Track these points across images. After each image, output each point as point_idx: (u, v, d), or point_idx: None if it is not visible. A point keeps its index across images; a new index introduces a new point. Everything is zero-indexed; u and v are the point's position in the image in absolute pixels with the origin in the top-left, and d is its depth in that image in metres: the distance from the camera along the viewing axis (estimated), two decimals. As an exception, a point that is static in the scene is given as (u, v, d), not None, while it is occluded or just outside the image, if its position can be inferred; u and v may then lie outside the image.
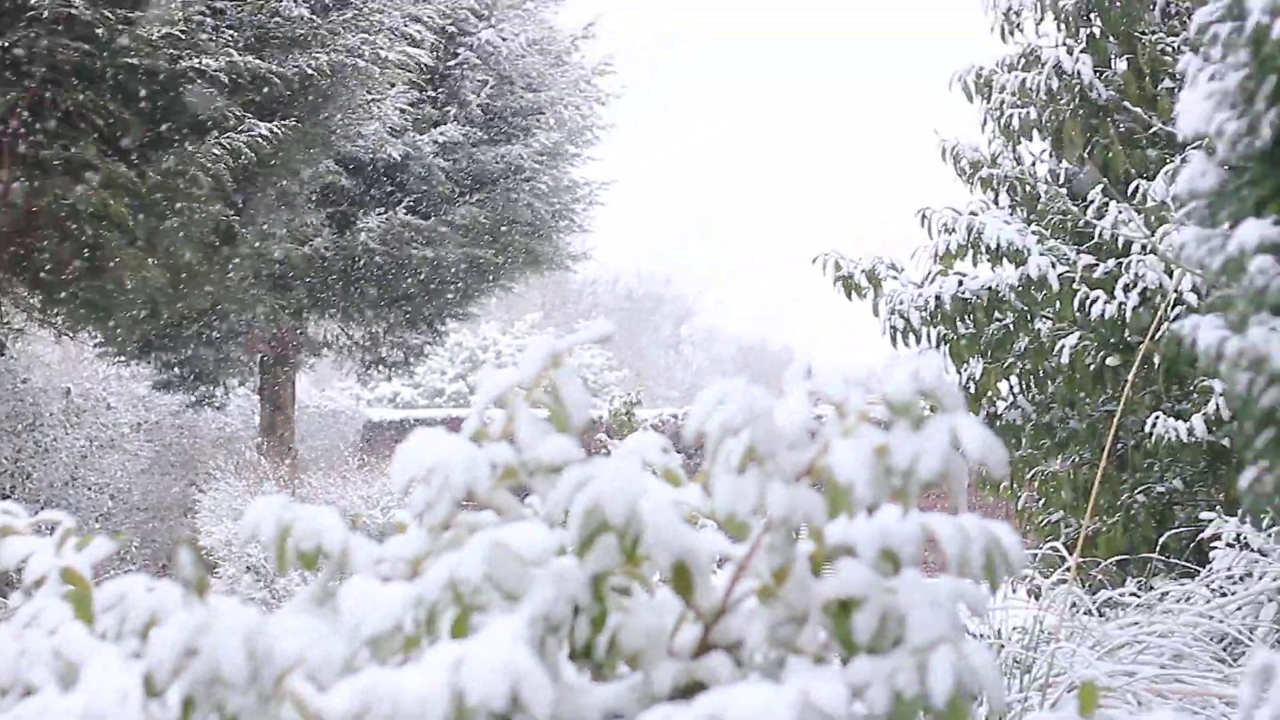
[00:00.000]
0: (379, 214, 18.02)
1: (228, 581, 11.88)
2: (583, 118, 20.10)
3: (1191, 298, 6.57)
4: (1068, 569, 5.92)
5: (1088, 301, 7.30)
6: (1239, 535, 5.84)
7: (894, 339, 7.76)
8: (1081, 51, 8.44)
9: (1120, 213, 7.38)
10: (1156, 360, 7.08)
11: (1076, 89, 8.31)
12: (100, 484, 17.02)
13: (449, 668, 1.19)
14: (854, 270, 7.91)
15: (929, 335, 7.78)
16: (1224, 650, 5.01)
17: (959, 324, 7.70)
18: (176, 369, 18.40)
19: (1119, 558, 7.37)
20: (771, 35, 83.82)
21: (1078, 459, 8.13)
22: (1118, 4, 8.33)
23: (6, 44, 10.42)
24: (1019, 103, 8.57)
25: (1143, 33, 8.45)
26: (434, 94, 18.66)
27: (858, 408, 1.36)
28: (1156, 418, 7.20)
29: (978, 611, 1.39)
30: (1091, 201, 7.78)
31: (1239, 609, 5.32)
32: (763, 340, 52.42)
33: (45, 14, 10.32)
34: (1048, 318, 7.74)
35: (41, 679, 1.42)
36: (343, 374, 24.56)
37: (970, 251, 7.62)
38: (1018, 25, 8.78)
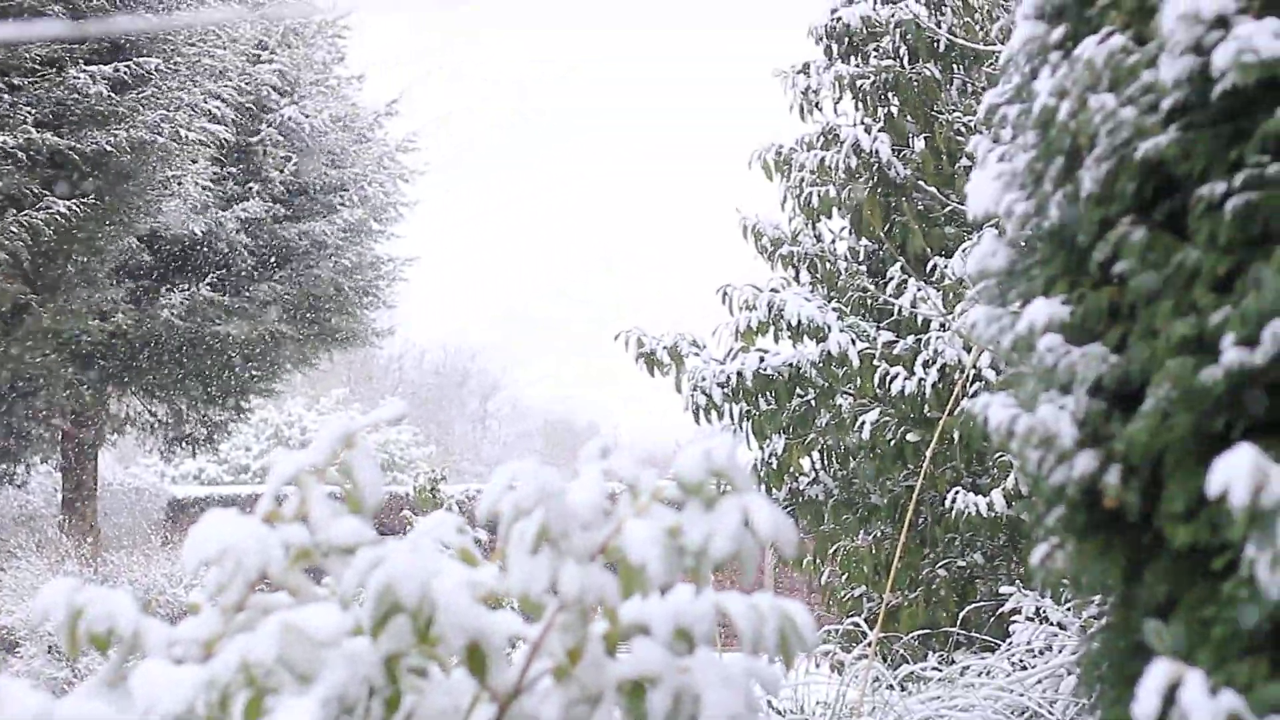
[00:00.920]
0: (181, 290, 17.87)
1: (27, 661, 12.07)
2: (386, 194, 20.14)
3: (990, 374, 6.69)
4: (869, 644, 5.95)
5: (888, 378, 7.41)
6: (1039, 609, 5.92)
7: (697, 415, 7.80)
8: (880, 130, 8.58)
9: (919, 290, 7.52)
10: (956, 436, 7.18)
11: (875, 167, 8.43)
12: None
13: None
14: (656, 347, 7.93)
15: (731, 411, 7.83)
16: (1024, 725, 5.07)
17: (761, 400, 7.75)
18: (-26, 447, 18.02)
19: (921, 632, 7.44)
20: (580, 114, 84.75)
21: (879, 534, 8.21)
22: (915, 84, 8.52)
23: None
24: (818, 181, 8.65)
25: (940, 112, 8.64)
26: (236, 170, 18.57)
27: (651, 487, 1.38)
28: (956, 493, 7.29)
29: (771, 690, 1.41)
30: (890, 279, 7.91)
31: (1039, 682, 5.39)
32: (569, 415, 52.49)
33: None
34: (849, 394, 7.83)
35: None
36: (146, 451, 24.48)
37: (771, 328, 7.70)
38: (816, 104, 8.91)
